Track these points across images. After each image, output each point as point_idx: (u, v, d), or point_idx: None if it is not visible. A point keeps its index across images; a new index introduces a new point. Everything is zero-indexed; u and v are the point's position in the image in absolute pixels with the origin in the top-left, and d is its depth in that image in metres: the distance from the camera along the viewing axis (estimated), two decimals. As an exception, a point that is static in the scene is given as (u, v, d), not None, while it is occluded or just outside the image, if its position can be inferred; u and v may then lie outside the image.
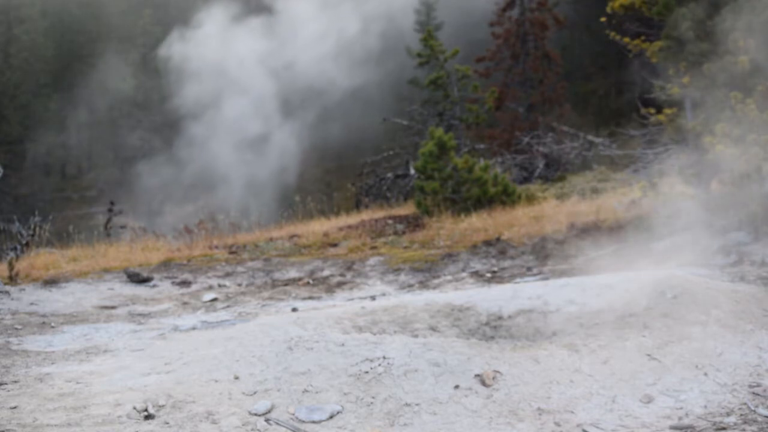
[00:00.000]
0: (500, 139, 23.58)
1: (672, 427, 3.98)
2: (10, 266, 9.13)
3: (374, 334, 5.18)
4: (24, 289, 8.51)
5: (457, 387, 4.28)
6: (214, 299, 8.36)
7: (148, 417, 4.12)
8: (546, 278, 8.06)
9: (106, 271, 9.80)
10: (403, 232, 12.47)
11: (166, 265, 10.37)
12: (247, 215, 15.41)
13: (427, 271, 9.44)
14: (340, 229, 12.92)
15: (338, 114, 33.36)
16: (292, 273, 9.86)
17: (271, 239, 12.40)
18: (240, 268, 10.19)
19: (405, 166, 20.23)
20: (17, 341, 6.26)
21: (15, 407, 4.34)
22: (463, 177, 13.93)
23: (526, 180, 19.09)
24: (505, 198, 13.86)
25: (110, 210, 14.49)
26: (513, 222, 11.70)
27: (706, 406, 4.18)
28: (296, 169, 32.44)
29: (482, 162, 14.92)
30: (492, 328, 5.81)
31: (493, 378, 4.36)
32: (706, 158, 8.54)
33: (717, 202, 8.68)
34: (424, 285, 8.72)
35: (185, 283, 9.39)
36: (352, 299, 7.97)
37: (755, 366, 4.63)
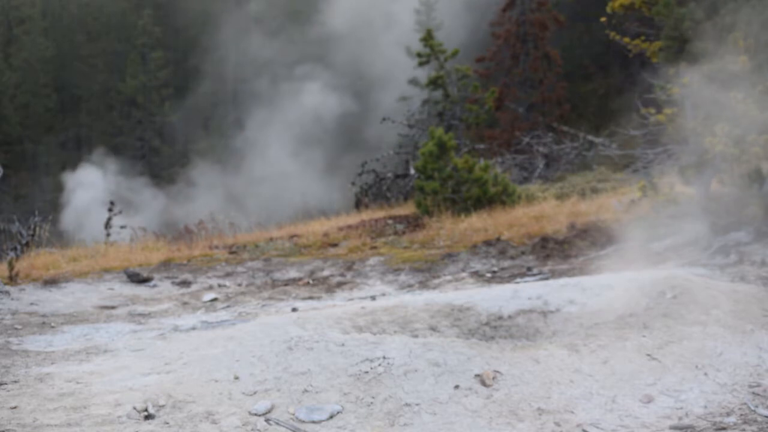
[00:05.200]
0: (500, 139, 23.57)
1: (672, 427, 3.98)
2: (10, 266, 9.12)
3: (374, 334, 5.18)
4: (24, 289, 8.51)
5: (457, 387, 4.28)
6: (214, 299, 8.36)
7: (148, 417, 4.12)
8: (546, 278, 8.06)
9: (106, 271, 9.80)
10: (403, 232, 12.47)
11: (166, 265, 10.37)
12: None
13: (427, 271, 9.44)
14: (340, 229, 12.91)
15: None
16: (292, 273, 9.86)
17: (271, 239, 12.40)
18: (240, 268, 10.19)
19: (405, 166, 20.22)
20: (17, 341, 6.26)
21: (15, 407, 4.34)
22: (463, 177, 13.92)
23: (526, 180, 19.08)
24: (505, 198, 13.85)
25: (110, 210, 14.48)
26: (513, 222, 11.69)
27: (706, 406, 4.18)
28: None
29: (482, 162, 14.90)
30: (492, 328, 5.81)
31: (493, 378, 4.36)
32: (706, 158, 8.54)
33: (717, 202, 8.68)
34: (424, 285, 8.72)
35: (185, 283, 9.39)
36: (352, 299, 7.97)
37: (755, 366, 4.63)
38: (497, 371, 4.42)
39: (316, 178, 31.35)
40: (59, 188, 36.95)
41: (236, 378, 4.55)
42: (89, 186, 30.37)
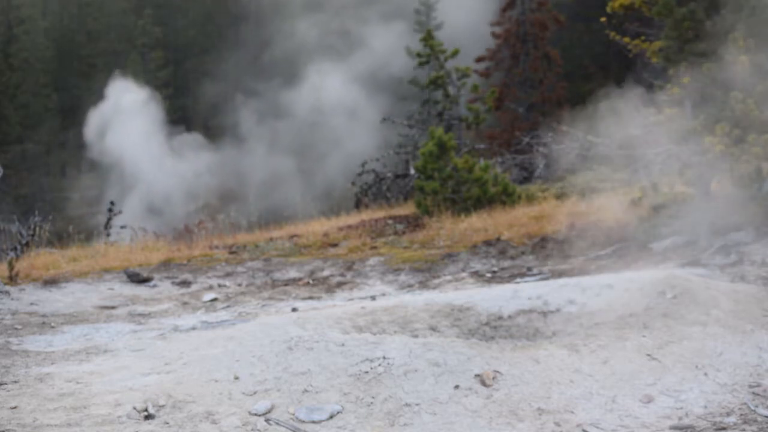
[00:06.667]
0: (500, 139, 23.57)
1: (672, 427, 3.98)
2: (10, 266, 9.12)
3: (374, 334, 5.18)
4: (24, 289, 8.51)
5: (457, 387, 4.28)
6: (214, 299, 8.36)
7: (148, 417, 4.12)
8: (546, 278, 8.06)
9: (106, 271, 9.80)
10: (403, 232, 12.47)
11: (166, 265, 10.37)
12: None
13: (427, 271, 9.44)
14: (340, 229, 12.91)
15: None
16: (292, 273, 9.86)
17: (271, 239, 12.40)
18: (240, 268, 10.19)
19: (405, 166, 20.22)
20: (17, 341, 6.26)
21: (15, 407, 4.34)
22: (463, 177, 13.92)
23: (526, 180, 19.07)
24: (505, 198, 13.85)
25: (110, 210, 14.49)
26: (513, 222, 11.69)
27: (706, 406, 4.18)
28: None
29: (482, 162, 14.90)
30: (492, 328, 5.81)
31: (493, 378, 4.36)
32: (706, 158, 8.54)
33: (717, 202, 8.68)
34: (424, 285, 8.72)
35: (185, 283, 9.39)
36: (352, 299, 7.97)
37: (755, 366, 4.63)
38: (497, 371, 4.42)
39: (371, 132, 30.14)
40: (59, 188, 36.67)
41: (236, 378, 4.55)
42: (134, 114, 23.39)
